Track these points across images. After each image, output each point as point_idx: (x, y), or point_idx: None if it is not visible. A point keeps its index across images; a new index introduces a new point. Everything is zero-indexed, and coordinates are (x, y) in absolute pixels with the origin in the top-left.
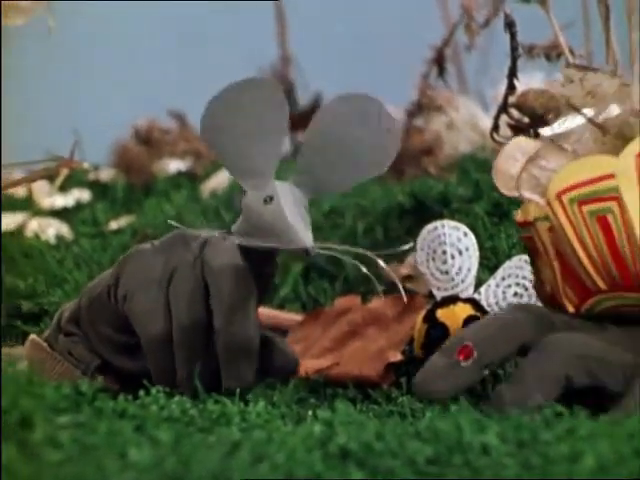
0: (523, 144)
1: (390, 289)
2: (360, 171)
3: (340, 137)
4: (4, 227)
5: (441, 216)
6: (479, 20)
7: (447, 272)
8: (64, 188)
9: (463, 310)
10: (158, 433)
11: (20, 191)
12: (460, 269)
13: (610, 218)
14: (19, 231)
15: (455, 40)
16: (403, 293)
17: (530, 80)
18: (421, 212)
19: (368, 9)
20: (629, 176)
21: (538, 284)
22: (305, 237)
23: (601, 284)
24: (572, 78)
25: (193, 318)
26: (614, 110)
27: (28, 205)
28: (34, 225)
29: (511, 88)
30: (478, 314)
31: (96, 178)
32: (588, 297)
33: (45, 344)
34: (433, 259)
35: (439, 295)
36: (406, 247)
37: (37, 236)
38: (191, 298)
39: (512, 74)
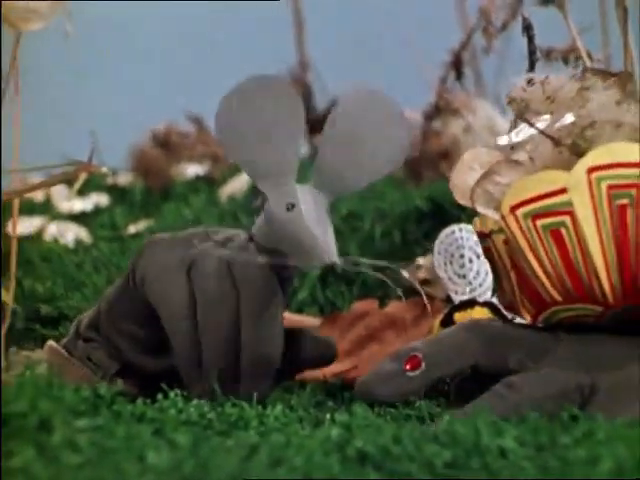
0: (480, 155)
1: (407, 293)
2: (377, 168)
3: (355, 135)
4: (23, 231)
5: (459, 220)
6: (497, 23)
7: (464, 276)
8: (83, 192)
9: (481, 314)
10: (176, 436)
11: (39, 195)
12: (478, 273)
13: (564, 232)
14: (38, 235)
15: (473, 43)
16: (425, 298)
17: None
18: (439, 216)
19: (386, 12)
20: (581, 190)
21: (499, 293)
22: (330, 251)
23: (556, 296)
24: (534, 81)
25: (220, 310)
26: (568, 119)
27: (47, 209)
28: (53, 229)
29: None
30: (496, 318)
31: (114, 182)
32: (544, 308)
33: (63, 350)
34: (451, 263)
35: (457, 299)
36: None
37: (56, 240)
38: (218, 287)
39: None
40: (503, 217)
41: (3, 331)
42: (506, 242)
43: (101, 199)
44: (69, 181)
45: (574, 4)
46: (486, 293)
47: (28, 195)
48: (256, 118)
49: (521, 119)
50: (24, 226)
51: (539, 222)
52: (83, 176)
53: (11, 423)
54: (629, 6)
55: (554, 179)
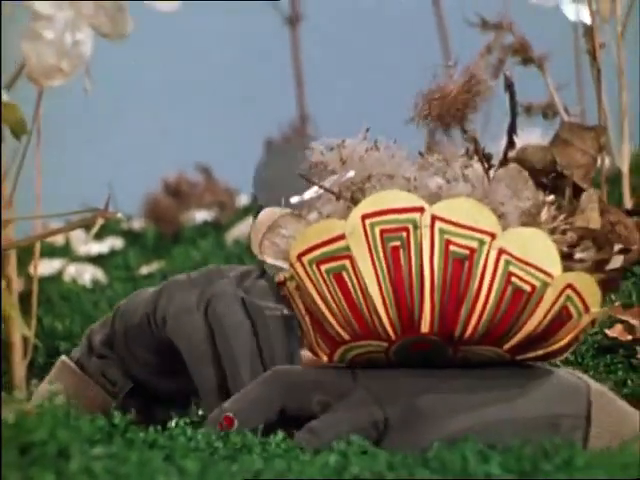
0: (273, 214)
1: None
2: None
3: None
4: (44, 272)
5: None
6: None
7: None
8: (99, 236)
9: None
10: (185, 462)
11: (59, 239)
12: None
13: (345, 275)
14: (58, 276)
15: None
16: None
17: (528, 136)
18: None
19: (378, 69)
20: (357, 236)
21: (301, 336)
22: None
23: (345, 335)
24: (332, 145)
25: (241, 351)
26: (349, 174)
27: (66, 252)
28: (72, 270)
29: (511, 143)
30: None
31: (129, 227)
32: (336, 347)
33: (75, 366)
34: None
35: None
36: None
37: (74, 280)
38: (238, 329)
39: (511, 131)
40: (292, 265)
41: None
42: (298, 288)
43: (116, 242)
44: (87, 226)
45: (552, 63)
46: None
47: (49, 239)
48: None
49: (305, 179)
50: (45, 267)
51: (323, 267)
52: (100, 222)
53: (32, 451)
54: (602, 65)
55: (333, 227)
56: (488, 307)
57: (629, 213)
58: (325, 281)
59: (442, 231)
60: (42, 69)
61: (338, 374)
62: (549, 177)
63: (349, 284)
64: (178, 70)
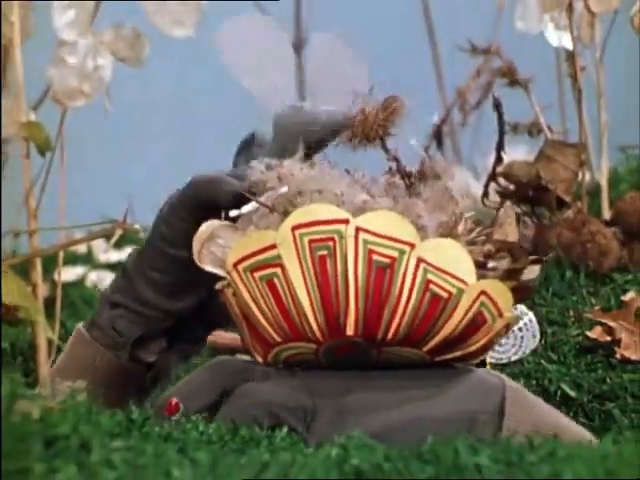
0: (212, 225)
1: None
2: None
3: None
4: (68, 278)
5: None
6: (471, 102)
7: None
8: (118, 245)
9: None
10: (198, 455)
11: (81, 248)
12: None
13: (276, 281)
14: (80, 282)
15: (451, 118)
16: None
17: (515, 153)
18: None
19: (379, 93)
20: (287, 245)
21: (241, 340)
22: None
23: (277, 337)
24: (271, 166)
25: None
26: (283, 189)
27: (88, 260)
28: (93, 277)
29: (499, 160)
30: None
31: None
32: (270, 349)
33: (88, 336)
34: None
35: None
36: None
37: (95, 286)
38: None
39: (499, 148)
40: (229, 273)
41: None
42: (234, 294)
43: None
44: (107, 236)
45: (537, 86)
46: None
47: (72, 248)
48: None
49: (244, 194)
50: (69, 274)
51: (256, 274)
52: (119, 232)
53: (56, 444)
54: (583, 87)
55: (265, 237)
56: (408, 311)
57: (607, 224)
58: (258, 287)
59: (365, 241)
60: (65, 91)
61: (277, 368)
62: (534, 190)
63: (280, 290)
64: (196, 85)
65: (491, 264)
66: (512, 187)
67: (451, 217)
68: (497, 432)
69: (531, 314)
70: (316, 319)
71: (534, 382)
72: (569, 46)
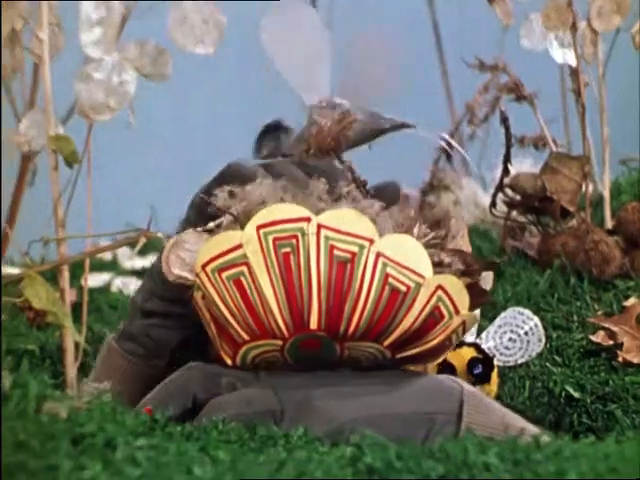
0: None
1: None
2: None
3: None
4: (95, 284)
5: None
6: (479, 116)
7: None
8: (142, 252)
9: (468, 352)
10: (218, 453)
11: (107, 256)
12: None
13: (243, 280)
14: (106, 287)
15: (460, 132)
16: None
17: (521, 165)
18: None
19: (391, 110)
20: (253, 244)
21: (209, 343)
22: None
23: (245, 335)
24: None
25: None
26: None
27: (114, 266)
28: (118, 282)
29: (506, 172)
30: (480, 356)
31: None
32: (238, 348)
33: (118, 347)
34: None
35: None
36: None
37: (121, 291)
38: None
39: (506, 160)
40: (197, 275)
41: (75, 366)
42: (203, 297)
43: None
44: (131, 244)
45: (541, 101)
46: (472, 335)
47: (98, 255)
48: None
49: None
50: (95, 280)
51: (224, 274)
52: (142, 240)
53: (83, 442)
54: (586, 102)
55: (231, 238)
56: (368, 305)
57: (610, 233)
58: (226, 287)
59: (327, 237)
60: (92, 106)
61: (245, 372)
62: (540, 201)
63: (247, 288)
64: (219, 93)
65: (447, 259)
66: (519, 198)
67: (407, 220)
68: (456, 433)
69: (537, 319)
70: (282, 314)
71: (540, 384)
72: (573, 63)
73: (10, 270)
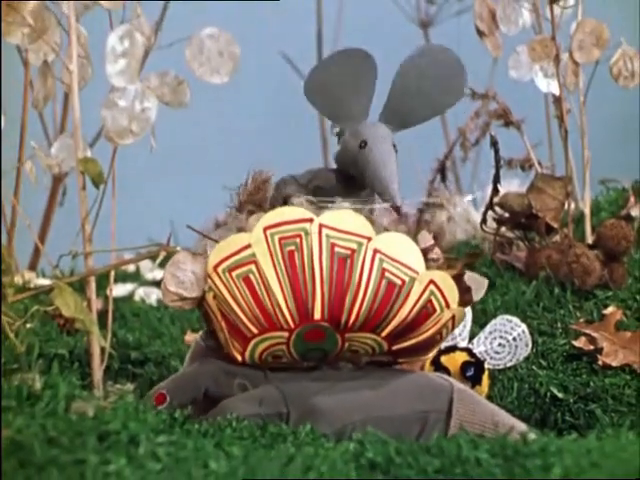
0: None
1: None
2: (435, 108)
3: (420, 83)
4: (119, 294)
5: None
6: (471, 140)
7: None
8: (163, 265)
9: (461, 357)
10: (232, 449)
11: (130, 268)
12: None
13: (252, 277)
14: (130, 297)
15: (453, 154)
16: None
17: (509, 185)
18: None
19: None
20: (260, 244)
21: (220, 347)
22: (392, 190)
23: (253, 329)
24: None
25: None
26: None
27: (136, 277)
28: (141, 292)
29: (495, 191)
30: (472, 360)
31: None
32: (247, 343)
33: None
34: None
35: (443, 345)
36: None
37: (143, 300)
38: None
39: (496, 180)
40: (209, 275)
41: (102, 369)
42: (214, 297)
43: None
44: (153, 257)
45: (528, 126)
46: (465, 340)
47: (122, 267)
48: (337, 80)
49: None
50: (119, 290)
51: (234, 273)
52: (163, 254)
53: (108, 439)
54: (569, 127)
55: (240, 239)
56: (367, 297)
57: (590, 247)
58: (236, 284)
59: (328, 236)
60: (117, 131)
61: (254, 370)
62: (526, 218)
63: (255, 284)
64: (234, 115)
65: (433, 255)
66: (507, 215)
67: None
68: (445, 430)
69: (524, 326)
70: (287, 307)
71: (527, 385)
72: (556, 92)
73: (42, 281)
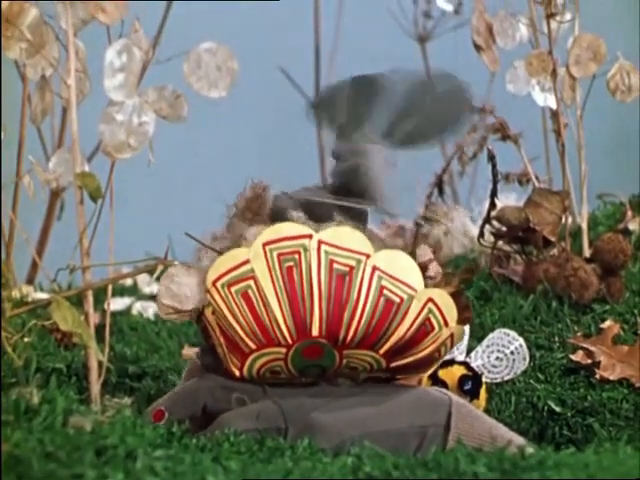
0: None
1: None
2: (436, 135)
3: (421, 108)
4: (117, 308)
5: None
6: (469, 154)
7: None
8: (160, 279)
9: (458, 370)
10: (230, 463)
11: (128, 282)
12: None
13: (250, 292)
14: (127, 311)
15: (451, 168)
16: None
17: (506, 199)
18: None
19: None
20: (259, 259)
21: (219, 363)
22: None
23: (251, 345)
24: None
25: None
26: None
27: (134, 291)
28: (138, 306)
29: (492, 205)
30: (470, 373)
31: None
32: (245, 358)
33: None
34: None
35: None
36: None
37: (140, 314)
38: None
39: (493, 194)
40: (208, 291)
41: (100, 382)
42: (213, 312)
43: None
44: (150, 271)
45: (525, 140)
46: (462, 354)
47: (120, 281)
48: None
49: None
50: (117, 304)
51: (233, 288)
52: (160, 267)
53: (105, 453)
54: (566, 141)
55: (239, 255)
56: (365, 313)
57: (588, 261)
58: (235, 300)
59: (327, 252)
60: (114, 145)
61: (253, 386)
62: (523, 231)
63: (253, 299)
64: (232, 129)
65: (431, 272)
66: (504, 229)
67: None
68: (444, 444)
69: (521, 340)
70: (286, 323)
71: (524, 399)
72: (553, 106)
73: (40, 295)
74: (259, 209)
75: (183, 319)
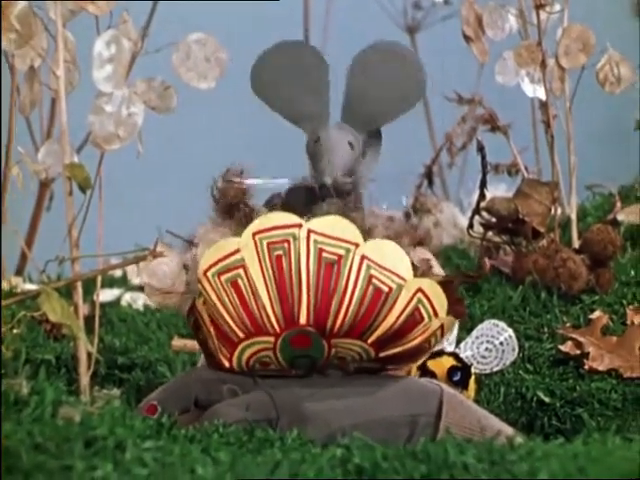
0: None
1: None
2: (396, 107)
3: (375, 82)
4: (106, 299)
5: None
6: (458, 145)
7: None
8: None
9: (447, 361)
10: (219, 454)
11: (117, 273)
12: None
13: (240, 281)
14: (117, 302)
15: (440, 160)
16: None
17: (496, 190)
18: None
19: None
20: (249, 248)
21: (210, 358)
22: (326, 175)
23: (240, 334)
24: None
25: None
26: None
27: (123, 282)
28: (128, 297)
29: (482, 196)
30: (459, 364)
31: None
32: (234, 348)
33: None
34: None
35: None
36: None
37: (130, 305)
38: None
39: (483, 185)
40: (199, 280)
41: (88, 374)
42: (204, 302)
43: None
44: (139, 262)
45: (514, 131)
46: (451, 345)
47: (109, 272)
48: (287, 76)
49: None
50: (106, 295)
51: (223, 277)
52: (150, 259)
53: (95, 445)
54: (555, 132)
55: (230, 244)
56: (353, 302)
57: (577, 252)
58: (224, 288)
59: (316, 241)
60: (104, 136)
61: (244, 377)
62: (513, 222)
63: (243, 288)
64: (222, 121)
65: (414, 259)
66: (494, 220)
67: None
68: (435, 433)
69: (511, 331)
70: (274, 311)
71: (513, 390)
72: (542, 97)
73: (29, 286)
74: (236, 197)
75: (167, 302)
